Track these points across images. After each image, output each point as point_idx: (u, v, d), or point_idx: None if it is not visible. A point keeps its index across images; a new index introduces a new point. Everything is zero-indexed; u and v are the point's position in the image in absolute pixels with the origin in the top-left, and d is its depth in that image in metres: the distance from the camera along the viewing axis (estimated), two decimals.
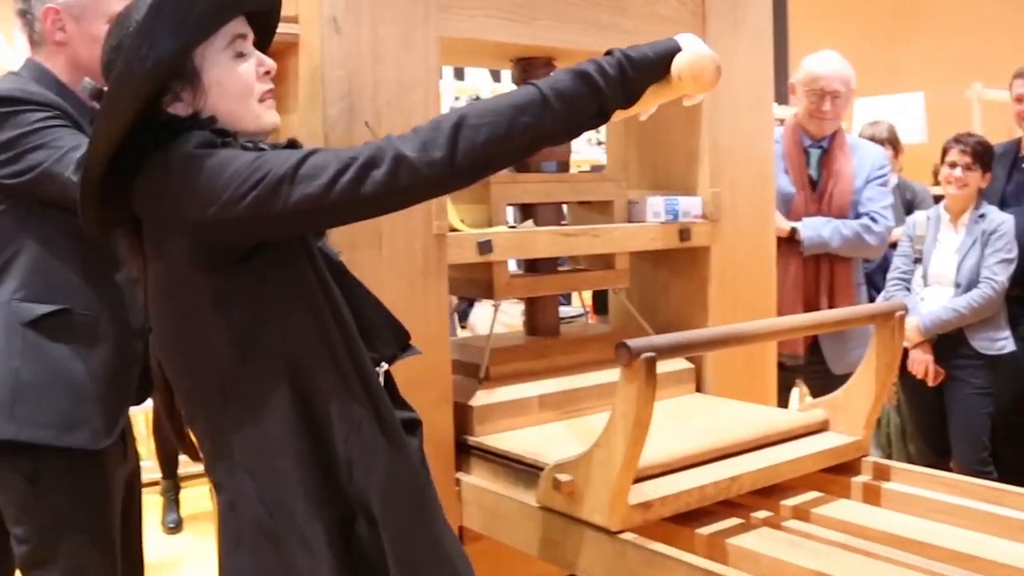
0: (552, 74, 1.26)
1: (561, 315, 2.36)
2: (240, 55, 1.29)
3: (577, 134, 1.30)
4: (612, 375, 2.14)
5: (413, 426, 1.38)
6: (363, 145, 1.20)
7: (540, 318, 2.27)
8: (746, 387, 2.35)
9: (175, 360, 1.30)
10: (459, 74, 5.71)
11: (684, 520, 1.70)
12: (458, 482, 1.92)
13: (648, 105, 1.35)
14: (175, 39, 1.19)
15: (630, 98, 1.29)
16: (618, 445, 1.53)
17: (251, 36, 1.32)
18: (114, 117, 1.20)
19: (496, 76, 5.82)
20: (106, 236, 1.55)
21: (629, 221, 2.24)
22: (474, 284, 2.08)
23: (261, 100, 1.31)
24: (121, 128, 1.21)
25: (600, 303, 4.00)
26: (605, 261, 2.24)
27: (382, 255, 1.79)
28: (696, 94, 1.35)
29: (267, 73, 1.32)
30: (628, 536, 1.59)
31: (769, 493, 1.85)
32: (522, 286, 2.12)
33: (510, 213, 2.25)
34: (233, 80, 1.28)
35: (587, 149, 5.62)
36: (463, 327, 4.27)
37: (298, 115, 1.82)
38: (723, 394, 2.31)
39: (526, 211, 2.20)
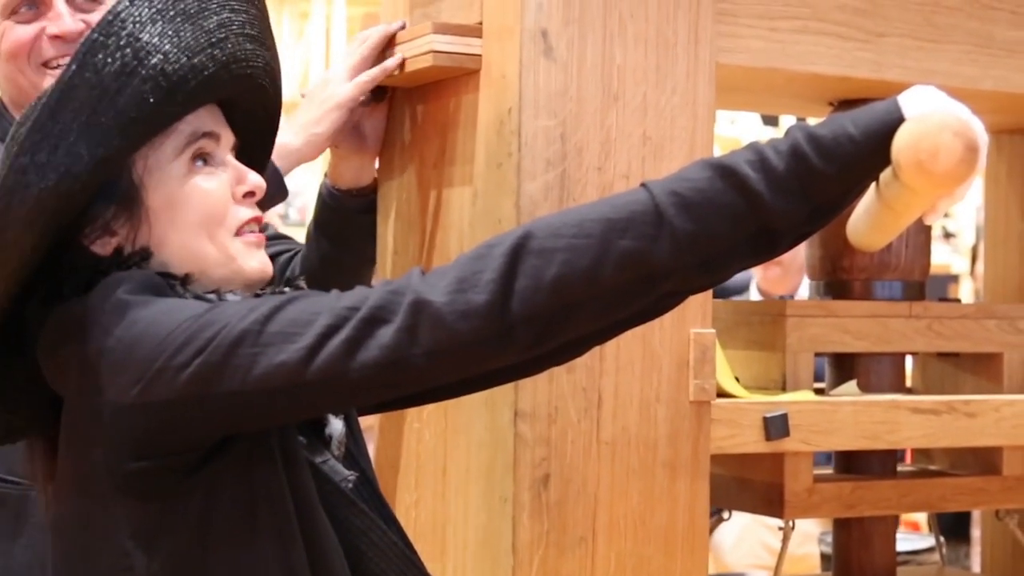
0: (680, 170, 1.15)
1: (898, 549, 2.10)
2: (205, 164, 1.23)
3: (723, 274, 1.18)
4: None
5: None
6: (375, 287, 1.13)
7: (862, 556, 1.97)
8: None
9: None
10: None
11: None
12: None
13: (881, 225, 1.22)
14: (87, 148, 1.14)
15: (822, 208, 1.14)
16: None
17: (228, 138, 1.25)
18: None
19: (772, 121, 5.73)
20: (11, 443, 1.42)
21: None
22: (746, 490, 1.82)
23: (239, 233, 1.23)
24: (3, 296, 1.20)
25: (955, 524, 3.90)
26: (982, 459, 1.92)
27: (598, 432, 1.55)
28: (931, 197, 1.17)
29: (250, 194, 1.24)
30: None
31: None
32: (834, 499, 1.81)
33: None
34: (192, 201, 1.21)
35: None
36: None
37: (471, 192, 1.61)
38: None
39: (844, 365, 1.94)
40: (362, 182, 1.70)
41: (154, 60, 1.13)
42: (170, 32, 1.15)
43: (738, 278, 3.70)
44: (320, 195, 1.71)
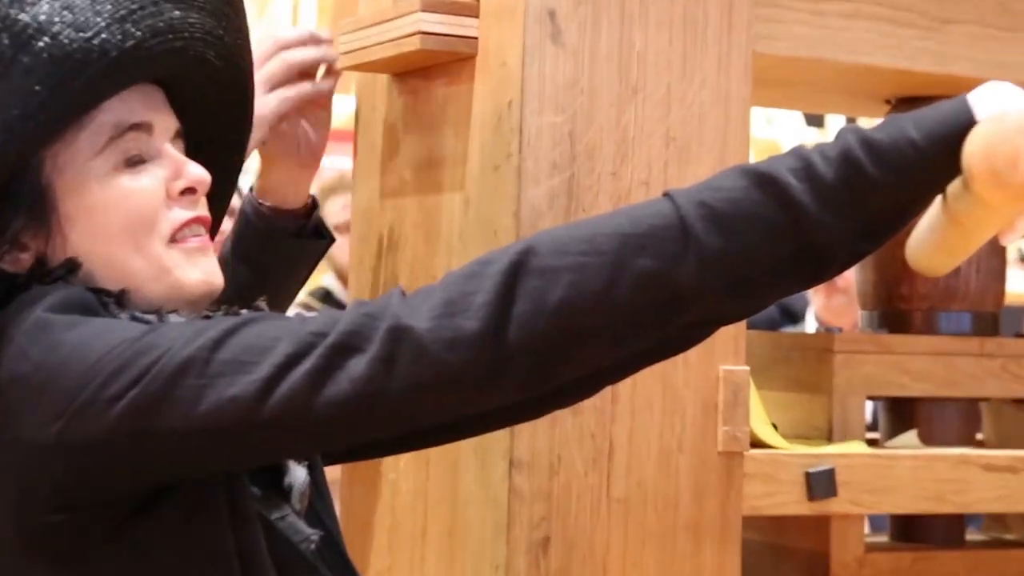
0: (710, 177, 1.14)
1: None
2: (133, 161, 1.17)
3: (758, 301, 1.15)
4: None
5: None
6: (347, 310, 1.10)
7: None
8: None
9: None
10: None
11: None
12: None
13: (948, 246, 1.18)
14: None
15: (878, 226, 1.11)
16: None
17: (165, 125, 1.19)
18: None
19: (817, 121, 5.64)
20: None
21: None
22: (785, 559, 1.79)
23: (175, 240, 1.18)
24: None
25: None
26: None
27: (608, 487, 1.48)
28: (1008, 213, 1.14)
29: (189, 191, 1.19)
30: None
31: None
32: (890, 572, 1.78)
33: (868, 411, 1.91)
34: (114, 206, 1.17)
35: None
36: None
37: (463, 199, 1.55)
38: None
39: (902, 411, 1.86)
40: (290, 202, 1.54)
41: (40, 44, 1.08)
42: (61, 9, 1.10)
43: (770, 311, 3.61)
44: (243, 211, 1.56)
